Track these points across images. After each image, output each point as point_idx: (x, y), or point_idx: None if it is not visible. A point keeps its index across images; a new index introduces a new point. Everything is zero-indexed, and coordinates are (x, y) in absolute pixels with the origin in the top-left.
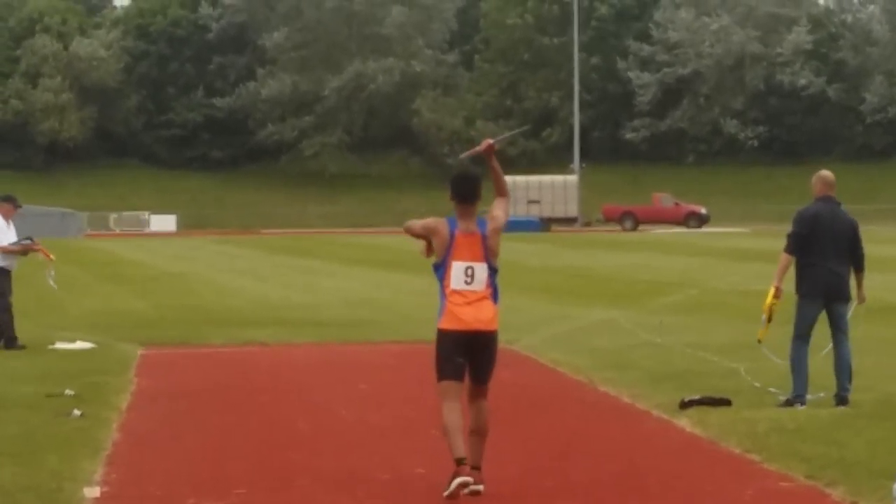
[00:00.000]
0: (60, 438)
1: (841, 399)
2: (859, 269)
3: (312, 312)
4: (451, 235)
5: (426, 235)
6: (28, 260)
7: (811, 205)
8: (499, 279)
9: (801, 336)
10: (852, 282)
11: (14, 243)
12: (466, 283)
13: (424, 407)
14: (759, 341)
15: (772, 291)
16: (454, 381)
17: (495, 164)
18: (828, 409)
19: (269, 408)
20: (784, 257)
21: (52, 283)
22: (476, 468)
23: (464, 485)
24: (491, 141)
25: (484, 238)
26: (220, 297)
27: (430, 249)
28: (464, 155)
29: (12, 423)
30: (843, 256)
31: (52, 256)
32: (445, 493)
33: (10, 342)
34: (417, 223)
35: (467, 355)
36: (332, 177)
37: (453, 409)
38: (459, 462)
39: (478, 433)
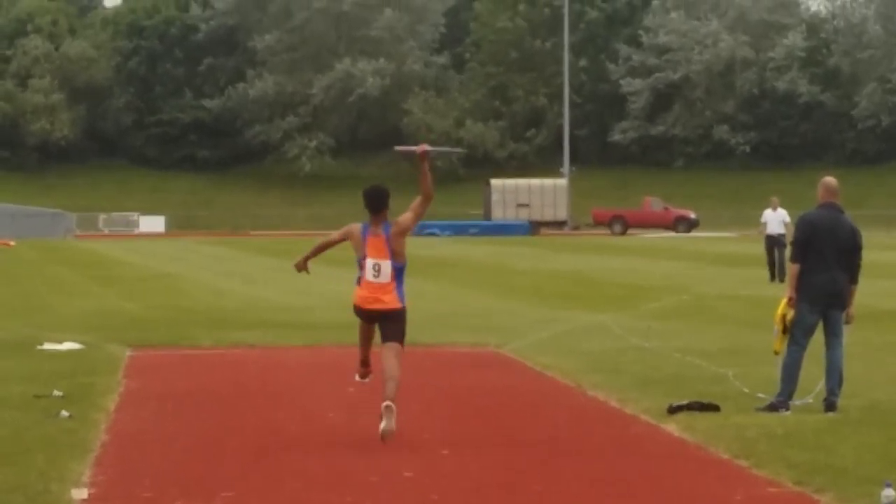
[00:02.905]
0: (48, 439)
1: (829, 404)
2: (852, 282)
3: (303, 315)
4: (364, 237)
5: (344, 239)
6: (11, 259)
7: (812, 211)
8: (407, 272)
9: (798, 342)
10: None
11: None
12: (374, 276)
13: (412, 411)
14: (776, 353)
15: (784, 301)
16: (363, 342)
17: (425, 168)
18: (816, 415)
19: (259, 410)
20: (791, 267)
21: None
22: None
23: (362, 378)
24: (427, 147)
25: (387, 239)
26: (210, 298)
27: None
28: (398, 147)
29: (0, 424)
30: (843, 263)
31: (11, 243)
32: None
33: None
34: (335, 233)
35: (373, 323)
36: (321, 178)
37: (363, 348)
38: (363, 363)
39: (390, 378)
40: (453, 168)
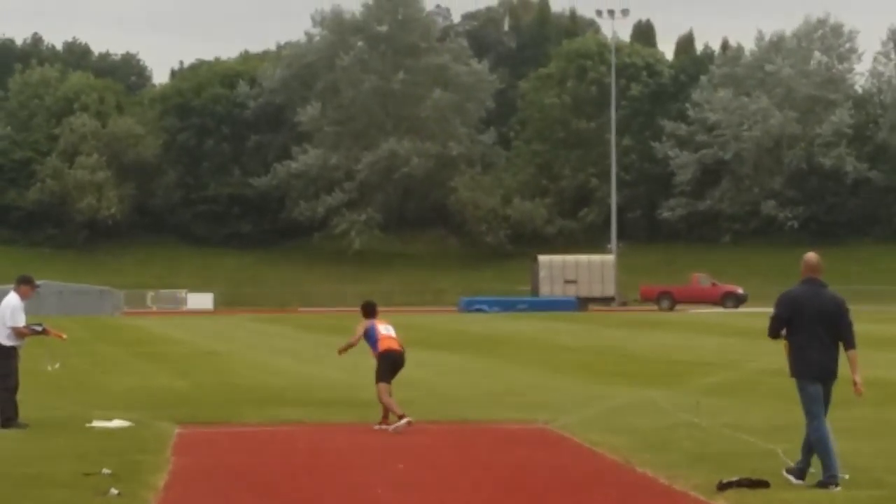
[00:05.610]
0: None
1: (826, 481)
2: (849, 347)
3: (351, 392)
4: (372, 326)
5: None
6: (45, 339)
7: (794, 287)
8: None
9: (815, 415)
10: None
11: (24, 326)
12: (386, 331)
13: (462, 488)
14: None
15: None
16: (389, 395)
17: (355, 344)
18: (867, 490)
19: (307, 488)
20: (769, 337)
21: (50, 367)
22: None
23: (410, 423)
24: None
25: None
26: (258, 375)
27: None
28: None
29: (50, 503)
30: (831, 336)
31: (64, 336)
32: (391, 429)
33: (8, 421)
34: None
35: (397, 366)
36: (369, 255)
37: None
38: (402, 416)
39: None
40: (501, 244)
